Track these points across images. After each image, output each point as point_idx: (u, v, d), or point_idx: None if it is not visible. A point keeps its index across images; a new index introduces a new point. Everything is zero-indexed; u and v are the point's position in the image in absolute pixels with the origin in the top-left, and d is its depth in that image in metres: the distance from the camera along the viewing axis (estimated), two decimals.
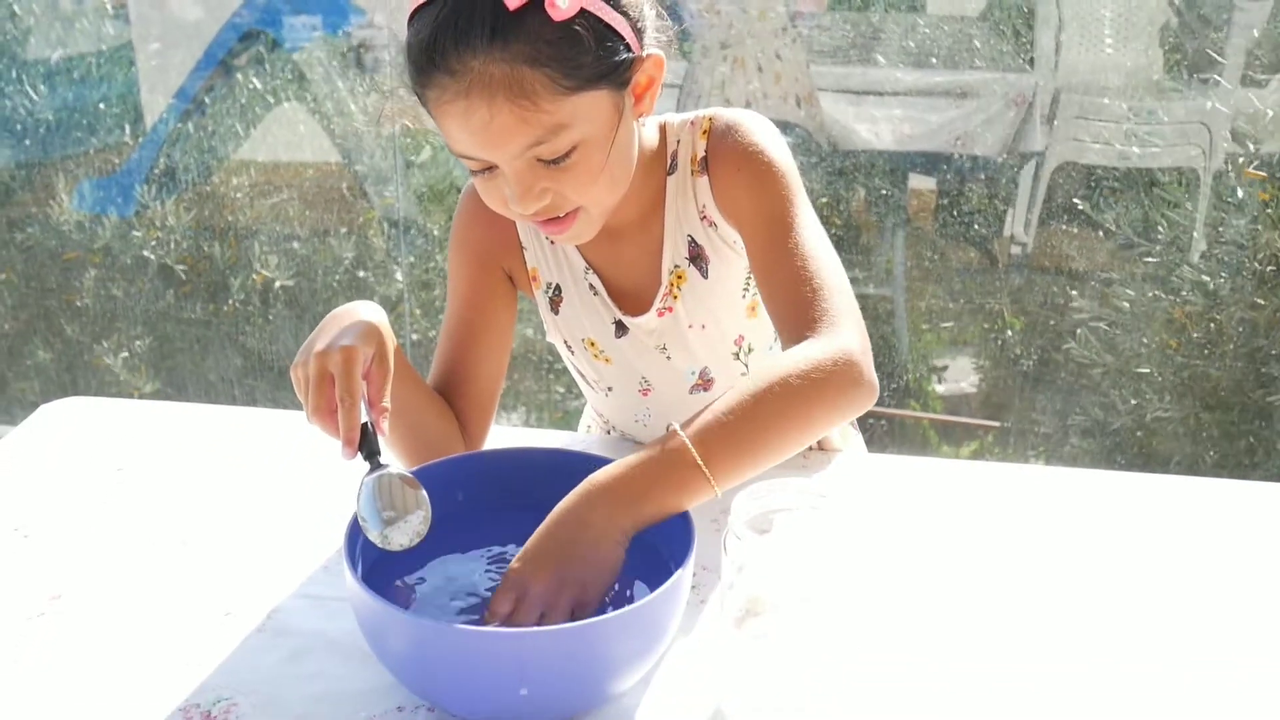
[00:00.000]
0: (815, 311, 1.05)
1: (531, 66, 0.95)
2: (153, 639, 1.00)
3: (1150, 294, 2.96)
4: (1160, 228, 2.92)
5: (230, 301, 3.23)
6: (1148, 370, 3.00)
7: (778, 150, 1.15)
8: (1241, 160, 2.85)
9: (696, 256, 1.20)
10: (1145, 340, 2.99)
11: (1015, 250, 3.30)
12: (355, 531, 0.94)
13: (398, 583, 0.99)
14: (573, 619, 0.89)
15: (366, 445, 0.97)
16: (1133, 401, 3.04)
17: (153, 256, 3.21)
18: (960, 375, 3.33)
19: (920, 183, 3.35)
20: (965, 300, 3.26)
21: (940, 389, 3.30)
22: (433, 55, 0.96)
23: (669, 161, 1.19)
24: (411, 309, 3.22)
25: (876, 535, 1.14)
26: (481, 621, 0.92)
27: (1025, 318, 3.17)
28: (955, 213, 3.22)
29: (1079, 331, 3.01)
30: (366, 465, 0.97)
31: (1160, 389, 3.00)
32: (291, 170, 3.35)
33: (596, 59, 0.98)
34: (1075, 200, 3.06)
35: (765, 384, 0.97)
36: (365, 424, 0.97)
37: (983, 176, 3.19)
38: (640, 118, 1.10)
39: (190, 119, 3.27)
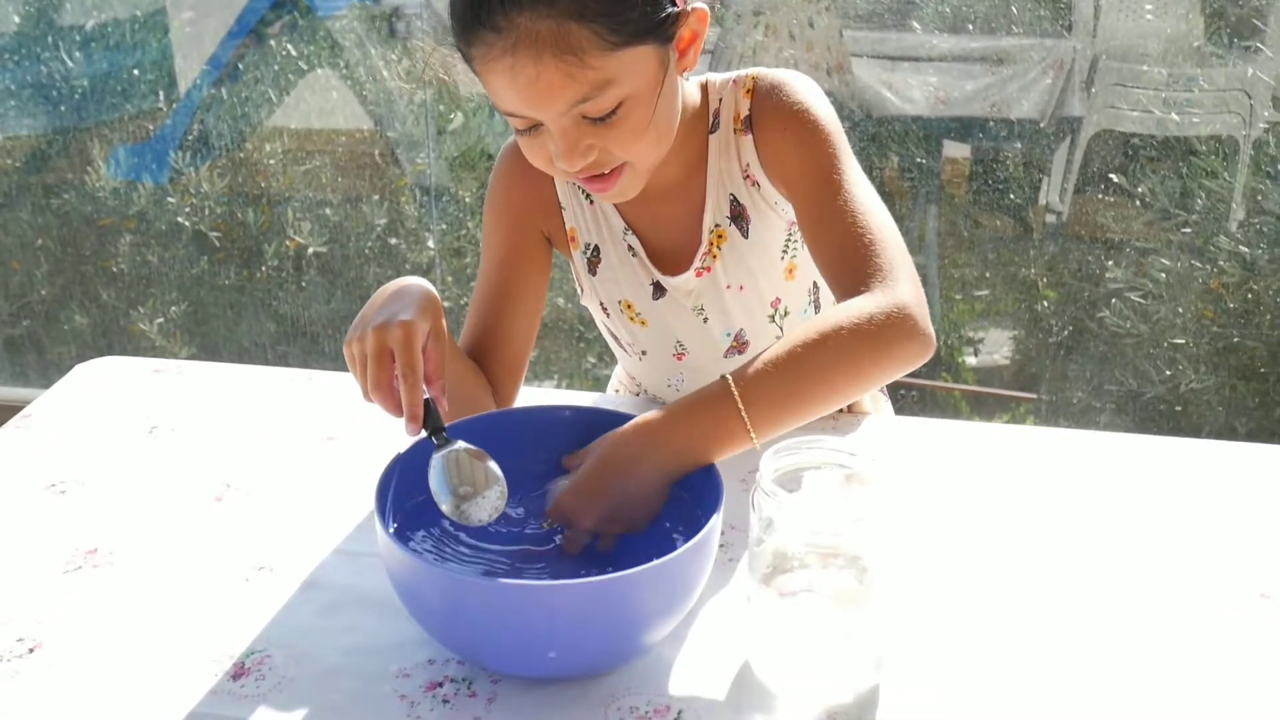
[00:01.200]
0: (869, 266, 1.04)
1: (578, 22, 0.94)
2: (186, 593, 1.01)
3: (1186, 264, 2.93)
4: (1199, 197, 2.89)
5: (263, 268, 3.24)
6: (1183, 340, 2.97)
7: (823, 108, 1.14)
8: None
9: (738, 216, 1.20)
10: (1181, 310, 2.96)
11: (1050, 219, 3.28)
12: (386, 486, 0.95)
13: (429, 539, 1.00)
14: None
15: (430, 421, 0.97)
16: (1167, 372, 3.02)
17: (187, 223, 3.22)
18: (993, 347, 3.31)
19: (954, 150, 3.32)
20: (999, 269, 3.24)
21: (973, 361, 3.28)
22: (478, 12, 0.95)
23: (711, 120, 1.18)
24: (443, 276, 3.22)
25: (905, 495, 1.13)
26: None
27: (1060, 288, 3.15)
28: (989, 180, 3.19)
29: (1114, 301, 2.99)
30: (418, 437, 0.97)
31: (1195, 359, 2.98)
32: (324, 137, 3.36)
33: (642, 14, 0.98)
34: (1110, 174, 3.03)
35: (815, 335, 0.97)
36: (427, 399, 0.97)
37: (1018, 144, 3.17)
38: (684, 73, 1.09)
39: (224, 85, 3.28)
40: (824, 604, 0.85)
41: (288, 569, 1.03)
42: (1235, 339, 2.95)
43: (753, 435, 0.95)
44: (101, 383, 1.43)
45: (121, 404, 1.37)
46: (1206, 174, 2.88)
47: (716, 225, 1.20)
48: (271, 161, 3.28)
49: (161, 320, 3.25)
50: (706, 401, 0.96)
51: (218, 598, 1.00)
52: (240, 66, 3.27)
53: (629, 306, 1.28)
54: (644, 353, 1.32)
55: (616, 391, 1.50)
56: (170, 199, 3.23)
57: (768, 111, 1.15)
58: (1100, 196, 3.12)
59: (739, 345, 1.28)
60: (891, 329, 0.99)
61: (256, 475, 1.21)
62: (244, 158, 3.29)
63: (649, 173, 1.10)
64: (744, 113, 1.17)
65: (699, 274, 1.22)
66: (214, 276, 3.27)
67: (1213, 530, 1.09)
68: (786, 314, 1.27)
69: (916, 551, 1.04)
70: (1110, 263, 3.03)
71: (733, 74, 1.19)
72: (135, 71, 3.30)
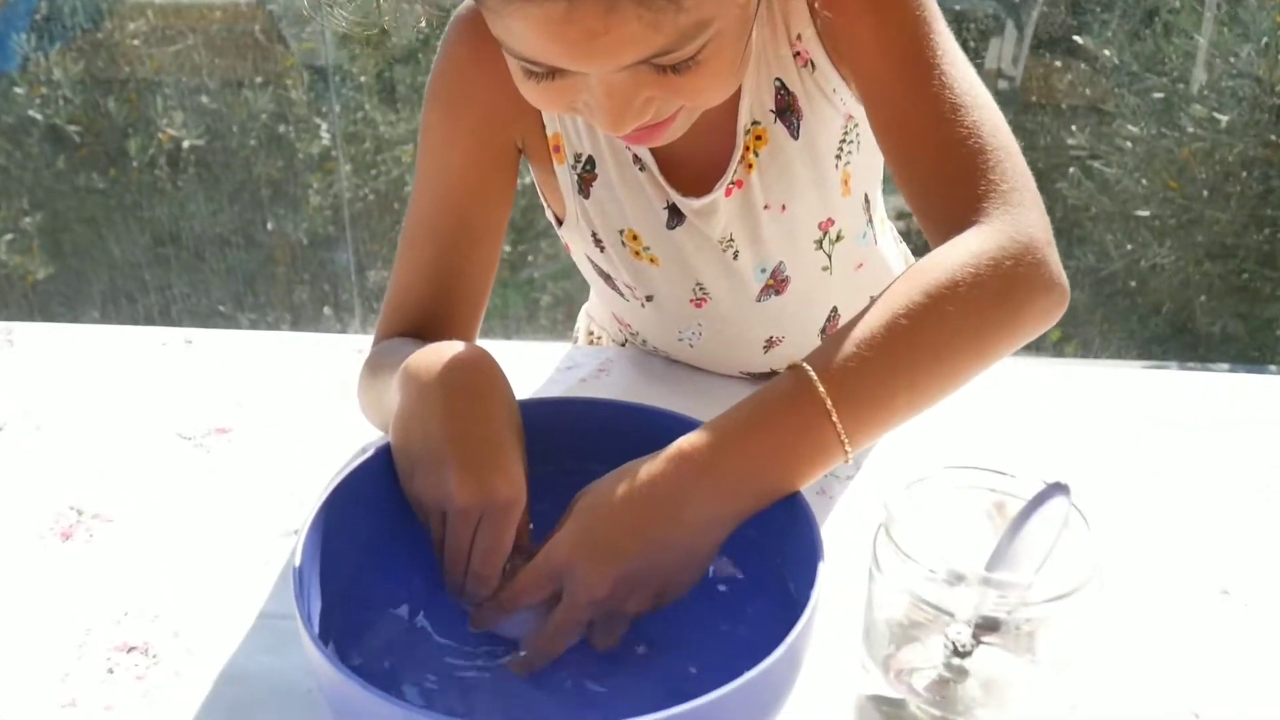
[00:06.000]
0: (980, 184, 0.75)
1: None
2: (27, 684, 0.71)
3: (1150, 130, 2.87)
4: (1165, 58, 2.83)
5: (132, 166, 3.05)
6: (1146, 213, 2.94)
7: None
8: None
9: (785, 108, 0.90)
10: (1145, 182, 2.90)
11: (1002, 85, 3.20)
12: (301, 580, 0.64)
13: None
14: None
15: None
16: (1128, 247, 2.99)
17: (39, 116, 3.04)
18: None
19: None
20: None
21: None
22: None
23: None
24: (341, 165, 3.08)
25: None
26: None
27: None
28: None
29: (1072, 171, 2.93)
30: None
31: (1160, 234, 2.96)
32: (196, 12, 3.12)
33: None
34: (1074, 36, 2.97)
35: (922, 297, 0.68)
36: None
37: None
38: None
39: None
40: (974, 696, 0.59)
41: (168, 647, 0.74)
42: (1200, 212, 2.92)
43: (847, 449, 0.66)
44: None
45: None
46: (1172, 31, 2.81)
47: (755, 123, 0.90)
48: (135, 42, 3.07)
49: (12, 236, 3.05)
50: (776, 405, 0.67)
51: (73, 690, 0.70)
52: None
53: (634, 238, 0.97)
54: (650, 298, 1.03)
55: (591, 336, 1.21)
56: (18, 89, 3.04)
57: None
58: (1055, 60, 3.08)
59: (777, 284, 0.99)
60: (1025, 279, 0.71)
61: (119, 497, 0.90)
62: (103, 39, 3.09)
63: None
64: None
65: (729, 191, 0.92)
66: (74, 179, 3.08)
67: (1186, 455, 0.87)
68: (839, 238, 0.98)
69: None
70: (1074, 128, 2.98)
71: None
72: None
